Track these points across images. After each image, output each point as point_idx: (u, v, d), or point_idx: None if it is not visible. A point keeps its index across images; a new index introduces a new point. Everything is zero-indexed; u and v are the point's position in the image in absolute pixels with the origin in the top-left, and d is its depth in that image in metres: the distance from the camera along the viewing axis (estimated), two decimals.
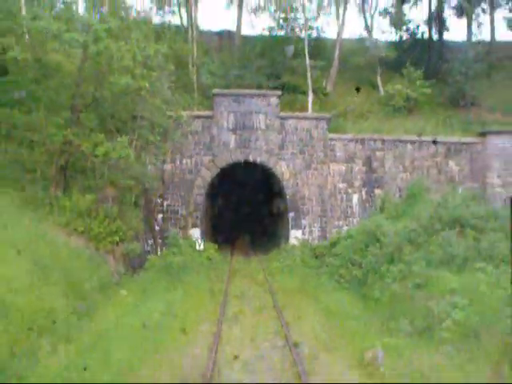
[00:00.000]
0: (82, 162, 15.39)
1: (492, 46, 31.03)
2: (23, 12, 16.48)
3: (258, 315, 10.18)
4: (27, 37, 13.98)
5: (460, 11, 28.52)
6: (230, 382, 6.71)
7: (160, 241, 19.29)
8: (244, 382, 6.73)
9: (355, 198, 20.52)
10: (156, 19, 27.56)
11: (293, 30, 27.34)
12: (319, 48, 27.06)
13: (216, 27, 39.36)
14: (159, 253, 18.58)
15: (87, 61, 13.12)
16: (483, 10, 29.95)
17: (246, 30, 31.99)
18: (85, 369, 6.38)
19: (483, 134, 21.47)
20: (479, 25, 30.80)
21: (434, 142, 21.27)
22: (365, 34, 28.88)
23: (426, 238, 12.40)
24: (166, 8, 27.49)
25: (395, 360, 6.92)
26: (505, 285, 8.32)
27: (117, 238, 14.64)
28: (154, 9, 28.69)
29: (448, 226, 12.79)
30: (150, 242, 19.15)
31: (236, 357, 7.37)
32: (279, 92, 20.70)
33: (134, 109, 15.81)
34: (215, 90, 20.31)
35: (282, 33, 27.95)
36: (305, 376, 6.71)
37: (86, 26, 12.93)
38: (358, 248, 14.76)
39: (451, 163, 21.27)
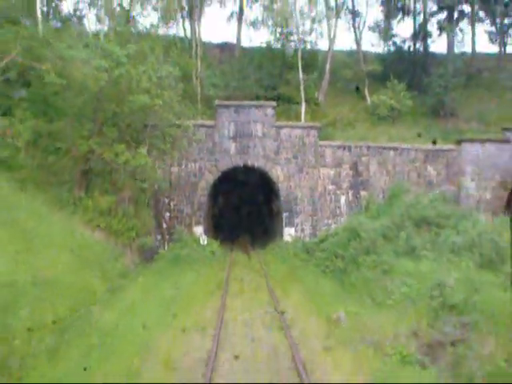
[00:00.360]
0: (101, 167, 17.63)
1: (473, 57, 33.48)
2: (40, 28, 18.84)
3: (254, 293, 12.51)
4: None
5: (440, 29, 30.92)
6: (233, 331, 9.06)
7: (167, 236, 21.56)
8: (243, 332, 9.07)
9: (343, 199, 22.85)
10: (161, 30, 29.95)
11: (288, 42, 29.57)
12: (313, 60, 29.27)
13: (217, 39, 41.60)
14: (166, 247, 20.89)
15: (110, 82, 15.36)
16: (461, 30, 32.45)
17: (246, 42, 34.23)
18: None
19: (458, 142, 23.81)
20: (460, 40, 33.30)
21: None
22: (355, 46, 31.18)
23: (396, 234, 14.73)
24: (171, 22, 29.54)
25: (352, 319, 9.24)
26: (443, 268, 10.64)
27: (133, 234, 16.99)
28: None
29: (416, 224, 15.16)
30: (159, 237, 21.41)
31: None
32: (274, 103, 23.00)
33: (146, 119, 18.07)
34: (218, 102, 22.61)
35: (278, 45, 30.20)
36: (287, 329, 9.07)
37: (109, 53, 15.21)
38: (341, 243, 17.04)
39: (429, 168, 23.60)
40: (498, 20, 33.49)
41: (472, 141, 23.88)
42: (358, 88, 26.92)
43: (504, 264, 10.01)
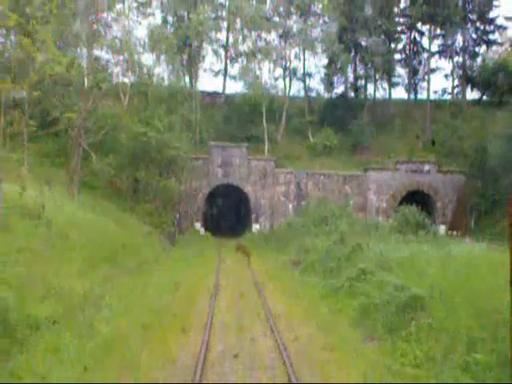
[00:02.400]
0: (145, 187, 30.10)
1: (390, 102, 46.92)
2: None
3: (233, 254, 25.37)
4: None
5: (357, 94, 44.34)
6: (226, 262, 21.81)
7: (177, 229, 34.18)
8: (229, 260, 21.87)
9: (290, 206, 35.80)
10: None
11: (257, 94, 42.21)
12: (275, 109, 41.78)
13: (210, 87, 54.01)
14: (177, 236, 33.47)
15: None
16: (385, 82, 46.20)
17: (230, 90, 46.95)
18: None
19: (366, 170, 37.02)
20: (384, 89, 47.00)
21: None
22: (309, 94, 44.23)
23: (307, 226, 27.75)
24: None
25: (273, 258, 22.12)
26: (327, 241, 23.49)
27: (164, 226, 29.61)
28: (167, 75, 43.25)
29: (322, 220, 28.18)
30: (173, 229, 34.00)
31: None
32: (247, 144, 35.86)
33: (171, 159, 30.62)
34: (211, 143, 35.40)
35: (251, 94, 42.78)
36: (247, 259, 21.94)
37: (154, 126, 27.91)
38: (283, 232, 30.05)
39: (346, 187, 36.70)
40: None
41: (374, 169, 37.13)
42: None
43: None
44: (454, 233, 33.38)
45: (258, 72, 41.19)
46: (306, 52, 41.89)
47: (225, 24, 42.88)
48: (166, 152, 28.43)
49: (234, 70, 45.53)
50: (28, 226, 14.35)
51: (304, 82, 43.26)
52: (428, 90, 43.96)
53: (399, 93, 51.49)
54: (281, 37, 41.40)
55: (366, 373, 7.16)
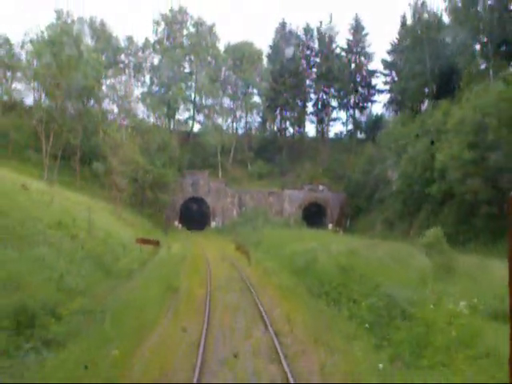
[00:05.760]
0: (148, 200, 50.72)
1: (304, 141, 69.25)
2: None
3: (203, 237, 46.36)
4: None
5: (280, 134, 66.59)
6: (205, 243, 42.79)
7: (165, 225, 54.99)
8: (206, 241, 42.95)
9: (234, 211, 57.29)
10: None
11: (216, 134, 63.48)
12: (228, 145, 63.21)
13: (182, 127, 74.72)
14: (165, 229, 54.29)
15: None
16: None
17: (197, 128, 68.10)
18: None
19: (283, 189, 58.97)
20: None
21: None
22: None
23: (243, 223, 49.48)
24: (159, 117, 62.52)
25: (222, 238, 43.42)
26: (248, 229, 44.78)
27: (161, 223, 50.40)
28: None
29: (254, 218, 49.96)
30: (164, 225, 54.72)
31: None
32: (208, 171, 57.11)
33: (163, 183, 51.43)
34: (185, 172, 56.44)
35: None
36: (216, 239, 43.08)
37: (157, 163, 48.80)
38: (230, 227, 51.72)
39: (270, 198, 58.54)
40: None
41: (288, 188, 59.12)
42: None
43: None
44: (337, 228, 55.68)
45: (215, 121, 62.57)
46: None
47: (194, 88, 63.98)
48: (162, 179, 49.37)
49: (200, 116, 66.83)
50: (119, 221, 35.30)
51: (246, 128, 65.06)
52: (327, 132, 66.97)
53: (312, 132, 73.95)
54: (231, 99, 62.96)
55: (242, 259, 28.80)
